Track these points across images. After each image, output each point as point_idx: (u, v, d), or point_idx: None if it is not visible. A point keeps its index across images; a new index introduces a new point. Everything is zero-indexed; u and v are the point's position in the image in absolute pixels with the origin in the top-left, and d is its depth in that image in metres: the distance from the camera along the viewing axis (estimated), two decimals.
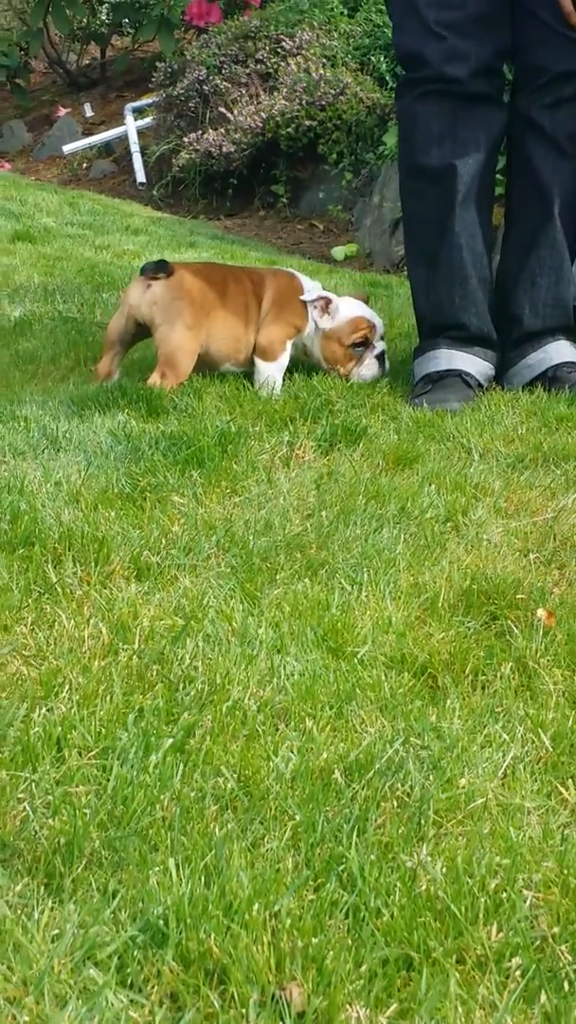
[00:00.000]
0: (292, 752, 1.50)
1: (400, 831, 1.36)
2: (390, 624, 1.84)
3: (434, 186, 3.12)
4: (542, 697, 1.67)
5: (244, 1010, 1.11)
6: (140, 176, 8.22)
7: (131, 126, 8.50)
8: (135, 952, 1.16)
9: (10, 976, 1.13)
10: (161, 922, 1.18)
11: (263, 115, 6.95)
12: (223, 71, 7.52)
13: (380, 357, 3.25)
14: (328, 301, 3.18)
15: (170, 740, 1.49)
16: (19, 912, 1.21)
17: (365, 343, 3.22)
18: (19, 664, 1.68)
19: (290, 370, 3.21)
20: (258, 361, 3.14)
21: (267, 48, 7.41)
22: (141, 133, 8.46)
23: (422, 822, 1.38)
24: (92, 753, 1.47)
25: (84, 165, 8.88)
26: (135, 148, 8.34)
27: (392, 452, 2.61)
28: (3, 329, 3.88)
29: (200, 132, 7.38)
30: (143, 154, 8.27)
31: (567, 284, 3.20)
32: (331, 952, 1.17)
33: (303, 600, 1.90)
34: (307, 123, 6.82)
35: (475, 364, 3.20)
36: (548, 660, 1.76)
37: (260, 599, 1.90)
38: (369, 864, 1.29)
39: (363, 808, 1.40)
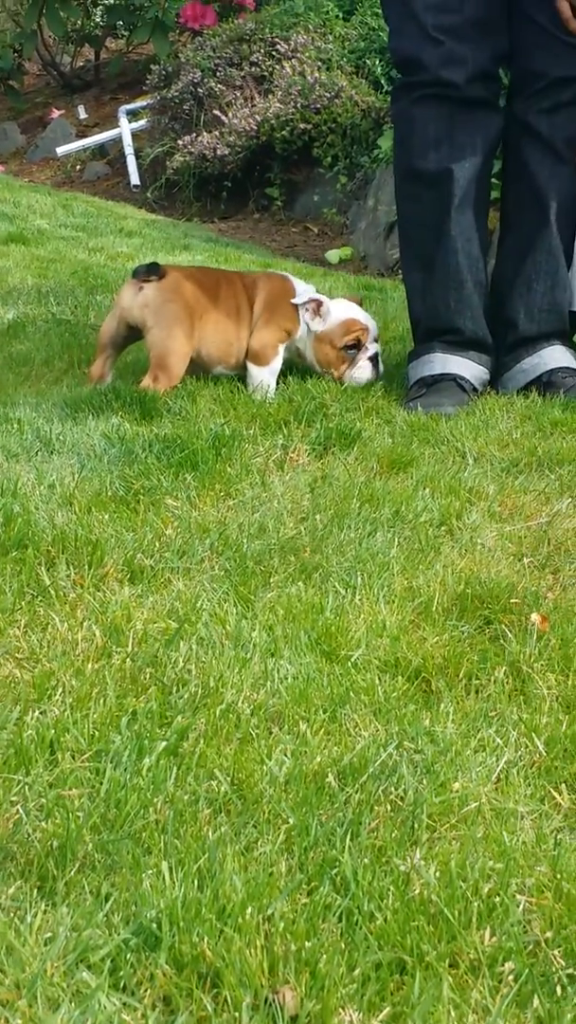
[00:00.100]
0: (286, 755, 1.50)
1: (393, 835, 1.36)
2: (384, 628, 1.84)
3: (430, 190, 3.12)
4: (536, 701, 1.67)
5: (237, 1013, 1.11)
6: (134, 178, 8.22)
7: (125, 128, 8.49)
8: (128, 955, 1.16)
9: (3, 979, 1.13)
10: (154, 925, 1.18)
11: (258, 118, 6.95)
12: (218, 74, 7.52)
13: (374, 359, 3.23)
14: (319, 303, 3.17)
15: (163, 743, 1.49)
16: (12, 915, 1.21)
17: (358, 345, 3.20)
18: (12, 667, 1.68)
19: (284, 373, 3.21)
20: (250, 366, 3.14)
21: (262, 51, 7.41)
22: (135, 135, 8.45)
23: (415, 826, 1.38)
24: (85, 756, 1.47)
25: (78, 167, 8.88)
26: (129, 150, 8.34)
27: (386, 456, 2.61)
28: None
29: (194, 135, 7.38)
30: (137, 156, 8.27)
31: (563, 289, 3.21)
32: (324, 956, 1.16)
33: (297, 603, 1.90)
34: (302, 126, 6.82)
35: (470, 368, 3.20)
36: (542, 665, 1.76)
37: (254, 602, 1.90)
38: (362, 868, 1.29)
39: (356, 812, 1.39)
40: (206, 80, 7.52)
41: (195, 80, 7.58)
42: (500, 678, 1.72)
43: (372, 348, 3.23)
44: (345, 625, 1.83)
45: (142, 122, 8.48)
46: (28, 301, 4.33)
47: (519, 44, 3.08)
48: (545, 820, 1.42)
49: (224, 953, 1.15)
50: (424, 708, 1.65)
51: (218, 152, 7.09)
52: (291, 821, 1.37)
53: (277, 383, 3.16)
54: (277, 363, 3.16)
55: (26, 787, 1.40)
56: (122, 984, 1.14)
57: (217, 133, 7.17)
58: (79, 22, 9.92)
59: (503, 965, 1.18)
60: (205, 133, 7.28)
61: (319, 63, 7.04)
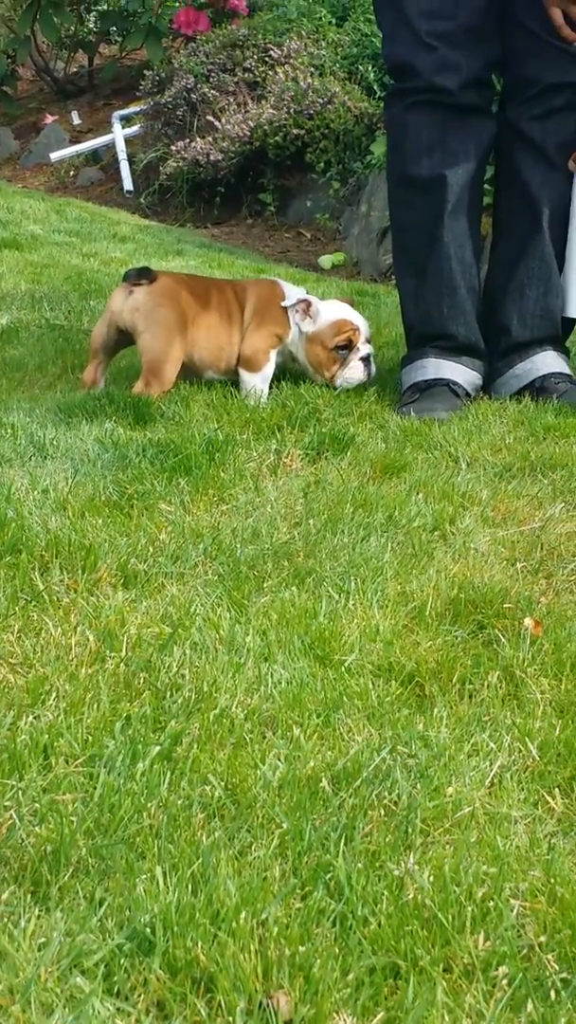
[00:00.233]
0: (279, 760, 1.50)
1: (387, 839, 1.36)
2: (377, 632, 1.84)
3: (424, 196, 3.13)
4: (529, 706, 1.67)
5: (231, 1018, 1.11)
6: (127, 184, 8.23)
7: (119, 134, 8.50)
8: (122, 960, 1.16)
9: None
10: (148, 930, 1.18)
11: (251, 124, 6.96)
12: (211, 79, 7.54)
13: (366, 360, 3.22)
14: (308, 303, 3.16)
15: (157, 748, 1.49)
16: (5, 920, 1.21)
17: (349, 346, 3.19)
18: (6, 672, 1.67)
19: (277, 378, 3.21)
20: (242, 372, 3.14)
21: (255, 57, 7.43)
22: (129, 141, 8.46)
23: (409, 831, 1.38)
24: (79, 761, 1.47)
25: (71, 173, 8.88)
26: (123, 156, 8.35)
27: (380, 461, 2.61)
28: None
29: (188, 140, 7.39)
30: (131, 162, 8.28)
31: (555, 295, 3.21)
32: (318, 960, 1.16)
33: (290, 608, 1.90)
34: (295, 132, 6.83)
35: (463, 374, 3.21)
36: (535, 669, 1.76)
37: (247, 607, 1.90)
38: (356, 872, 1.29)
39: (350, 816, 1.40)
40: (199, 86, 7.54)
41: (188, 86, 7.59)
42: (493, 683, 1.73)
43: (364, 349, 3.22)
44: (338, 630, 1.84)
45: (135, 128, 8.50)
46: (22, 306, 4.33)
47: (512, 51, 3.09)
48: (538, 824, 1.42)
49: (218, 958, 1.15)
50: (417, 713, 1.65)
51: (211, 158, 7.10)
52: (285, 826, 1.37)
53: (270, 388, 3.16)
54: (269, 369, 3.16)
55: (20, 792, 1.40)
56: (116, 989, 1.14)
57: (210, 139, 7.18)
58: (73, 28, 9.94)
59: (497, 969, 1.18)
60: (198, 139, 7.29)
61: (312, 69, 7.06)
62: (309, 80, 6.90)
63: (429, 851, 1.35)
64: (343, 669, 1.73)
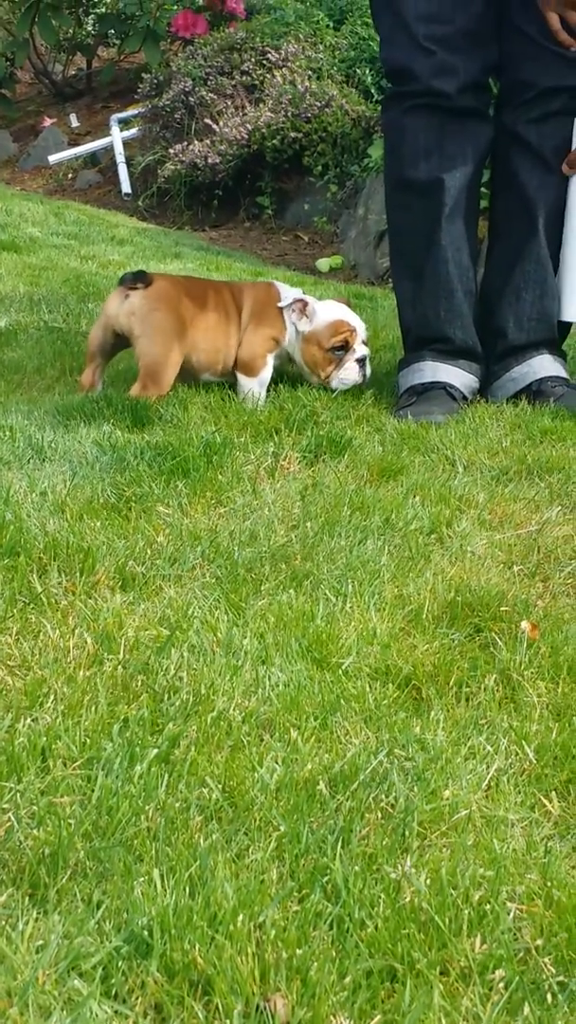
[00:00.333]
0: (277, 763, 1.50)
1: (384, 842, 1.36)
2: (374, 635, 1.84)
3: (421, 199, 3.13)
4: (526, 709, 1.67)
5: (228, 1021, 1.11)
6: (125, 187, 8.23)
7: (117, 137, 8.51)
8: (119, 963, 1.16)
9: None
10: (146, 933, 1.18)
11: (249, 127, 6.97)
12: (209, 83, 7.54)
13: (361, 361, 3.21)
14: (304, 303, 3.16)
15: (155, 750, 1.49)
16: (3, 923, 1.21)
17: (345, 346, 3.19)
18: (3, 674, 1.67)
19: (275, 381, 3.21)
20: (240, 376, 3.14)
21: (253, 60, 7.44)
22: (127, 144, 8.47)
23: (406, 833, 1.38)
24: (77, 763, 1.47)
25: (70, 175, 8.89)
26: (121, 159, 8.36)
27: (377, 464, 2.62)
28: None
29: (186, 143, 7.39)
30: (129, 165, 8.28)
31: (551, 298, 3.22)
32: (315, 963, 1.17)
33: (288, 611, 1.90)
34: (292, 135, 6.84)
35: (460, 377, 3.21)
36: (532, 672, 1.76)
37: (245, 610, 1.90)
38: (353, 875, 1.29)
39: (347, 819, 1.40)
40: (197, 89, 7.54)
41: (186, 89, 7.60)
42: (490, 686, 1.73)
43: (360, 350, 3.21)
44: (336, 633, 1.84)
45: (133, 131, 8.50)
46: (20, 309, 4.33)
47: (509, 55, 3.10)
48: (535, 828, 1.42)
49: (215, 960, 1.16)
50: (414, 716, 1.65)
51: (209, 161, 7.11)
52: (282, 828, 1.37)
53: (268, 391, 3.16)
54: (266, 374, 3.16)
55: (17, 794, 1.40)
56: (113, 992, 1.14)
57: (208, 142, 7.18)
58: (71, 31, 9.95)
59: (494, 973, 1.18)
60: (196, 142, 7.30)
61: (310, 72, 7.07)
62: (307, 83, 6.90)
63: (426, 854, 1.35)
64: (340, 672, 1.73)
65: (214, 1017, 1.12)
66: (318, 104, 6.80)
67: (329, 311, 3.20)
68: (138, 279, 3.03)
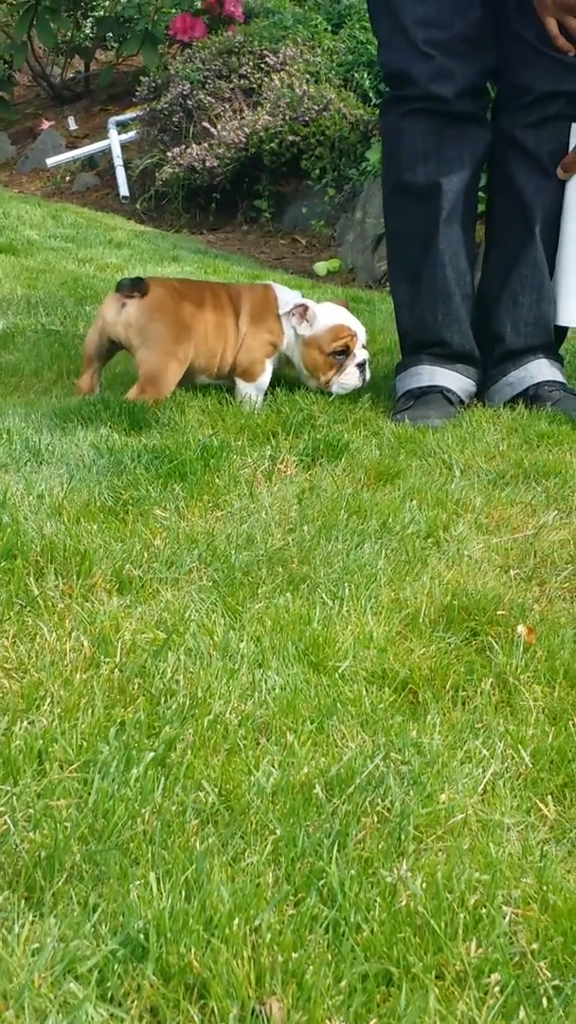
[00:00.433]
0: (273, 766, 1.50)
1: (380, 846, 1.36)
2: (371, 639, 1.85)
3: (419, 203, 3.14)
4: (522, 713, 1.68)
5: None
6: (123, 190, 8.23)
7: (114, 140, 8.51)
8: (115, 966, 1.16)
9: None
10: (141, 936, 1.18)
11: (246, 130, 6.97)
12: (207, 86, 7.55)
13: (361, 366, 3.21)
14: (304, 308, 3.16)
15: (151, 754, 1.49)
16: None
17: (346, 351, 3.18)
18: (0, 677, 1.68)
19: (273, 385, 3.22)
20: (238, 381, 3.14)
21: (251, 63, 7.44)
22: (124, 147, 8.47)
23: (402, 837, 1.38)
24: (73, 766, 1.47)
25: (67, 178, 8.89)
26: (118, 162, 8.36)
27: (374, 467, 2.62)
28: None
29: (183, 146, 7.39)
30: (126, 168, 8.28)
31: (548, 303, 3.22)
32: (311, 967, 1.17)
33: (284, 614, 1.90)
34: (290, 138, 6.84)
35: (457, 381, 3.22)
36: (528, 676, 1.77)
37: (242, 613, 1.91)
38: (349, 879, 1.29)
39: (343, 823, 1.40)
40: (195, 92, 7.55)
41: (184, 92, 7.60)
42: (486, 690, 1.73)
43: (360, 355, 3.20)
44: (332, 636, 1.84)
45: (131, 134, 8.51)
46: (17, 312, 4.33)
47: (507, 60, 3.10)
48: (531, 832, 1.42)
49: (211, 964, 1.16)
50: (411, 719, 1.65)
51: (207, 164, 7.11)
52: (278, 832, 1.37)
53: (265, 395, 3.16)
54: (265, 379, 3.15)
55: (14, 797, 1.40)
56: (109, 995, 1.14)
57: (206, 145, 7.19)
58: (69, 33, 9.95)
59: (489, 977, 1.18)
60: (194, 145, 7.30)
61: (308, 76, 7.07)
62: (305, 87, 6.91)
63: (422, 858, 1.35)
64: (337, 675, 1.74)
65: (210, 1020, 1.12)
66: (316, 108, 6.80)
67: (329, 315, 3.19)
68: (135, 287, 3.00)
